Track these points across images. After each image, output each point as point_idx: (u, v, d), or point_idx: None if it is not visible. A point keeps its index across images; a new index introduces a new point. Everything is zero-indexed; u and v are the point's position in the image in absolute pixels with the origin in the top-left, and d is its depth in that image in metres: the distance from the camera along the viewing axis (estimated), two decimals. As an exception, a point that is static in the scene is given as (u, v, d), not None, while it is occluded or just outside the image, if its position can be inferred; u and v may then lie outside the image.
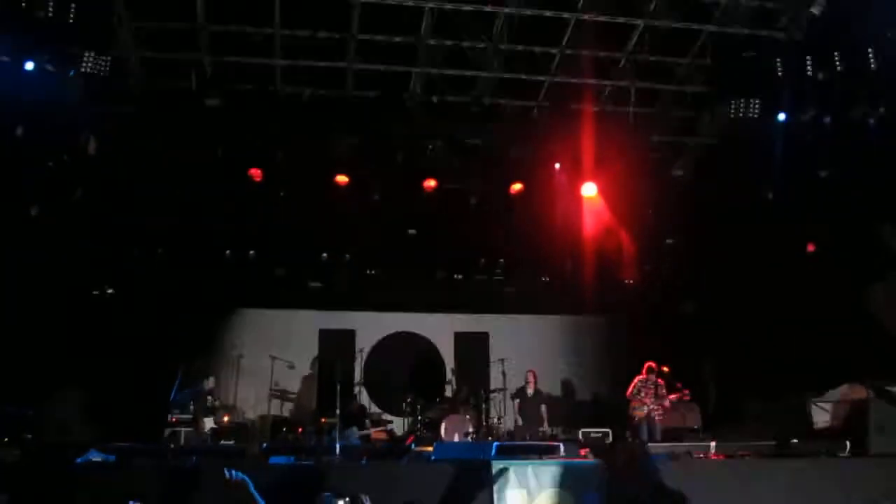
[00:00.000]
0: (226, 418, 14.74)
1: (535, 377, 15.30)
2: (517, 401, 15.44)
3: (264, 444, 10.94)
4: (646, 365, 13.63)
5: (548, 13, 12.55)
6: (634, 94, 13.49)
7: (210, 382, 14.65)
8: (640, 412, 13.45)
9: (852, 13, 11.41)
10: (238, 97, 13.19)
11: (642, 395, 13.49)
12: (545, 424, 15.14)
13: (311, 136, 13.94)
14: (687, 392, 13.54)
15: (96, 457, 8.79)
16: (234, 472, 5.61)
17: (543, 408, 15.32)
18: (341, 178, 14.61)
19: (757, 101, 12.65)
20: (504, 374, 15.34)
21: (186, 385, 13.72)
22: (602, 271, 15.82)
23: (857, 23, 11.35)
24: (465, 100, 13.88)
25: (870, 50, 11.49)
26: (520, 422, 15.37)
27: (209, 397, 14.31)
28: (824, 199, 13.25)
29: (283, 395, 15.99)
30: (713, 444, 10.99)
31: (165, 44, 12.70)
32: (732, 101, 12.73)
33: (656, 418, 13.51)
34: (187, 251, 15.22)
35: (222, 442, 12.96)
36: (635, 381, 13.58)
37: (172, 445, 12.06)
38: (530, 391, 15.25)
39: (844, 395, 13.01)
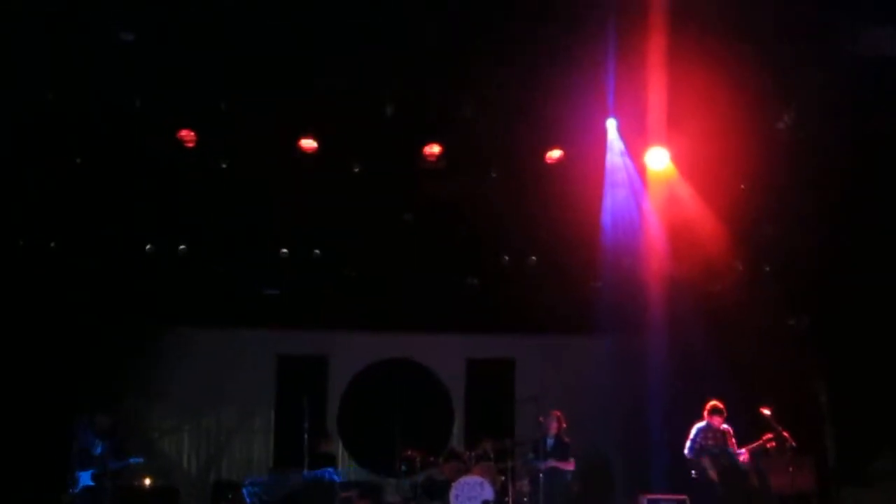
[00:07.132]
0: (147, 480, 13.12)
1: (560, 422, 12.17)
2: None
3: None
4: (707, 405, 10.98)
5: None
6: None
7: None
8: (707, 474, 10.67)
9: None
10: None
11: (707, 448, 10.74)
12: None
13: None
14: (773, 438, 10.44)
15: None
16: None
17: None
18: (307, 143, 11.30)
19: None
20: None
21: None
22: (673, 273, 13.11)
23: None
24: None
25: None
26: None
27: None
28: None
29: (226, 446, 14.65)
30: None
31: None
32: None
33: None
34: (86, 243, 12.38)
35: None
36: (692, 430, 10.92)
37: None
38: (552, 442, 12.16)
39: None
